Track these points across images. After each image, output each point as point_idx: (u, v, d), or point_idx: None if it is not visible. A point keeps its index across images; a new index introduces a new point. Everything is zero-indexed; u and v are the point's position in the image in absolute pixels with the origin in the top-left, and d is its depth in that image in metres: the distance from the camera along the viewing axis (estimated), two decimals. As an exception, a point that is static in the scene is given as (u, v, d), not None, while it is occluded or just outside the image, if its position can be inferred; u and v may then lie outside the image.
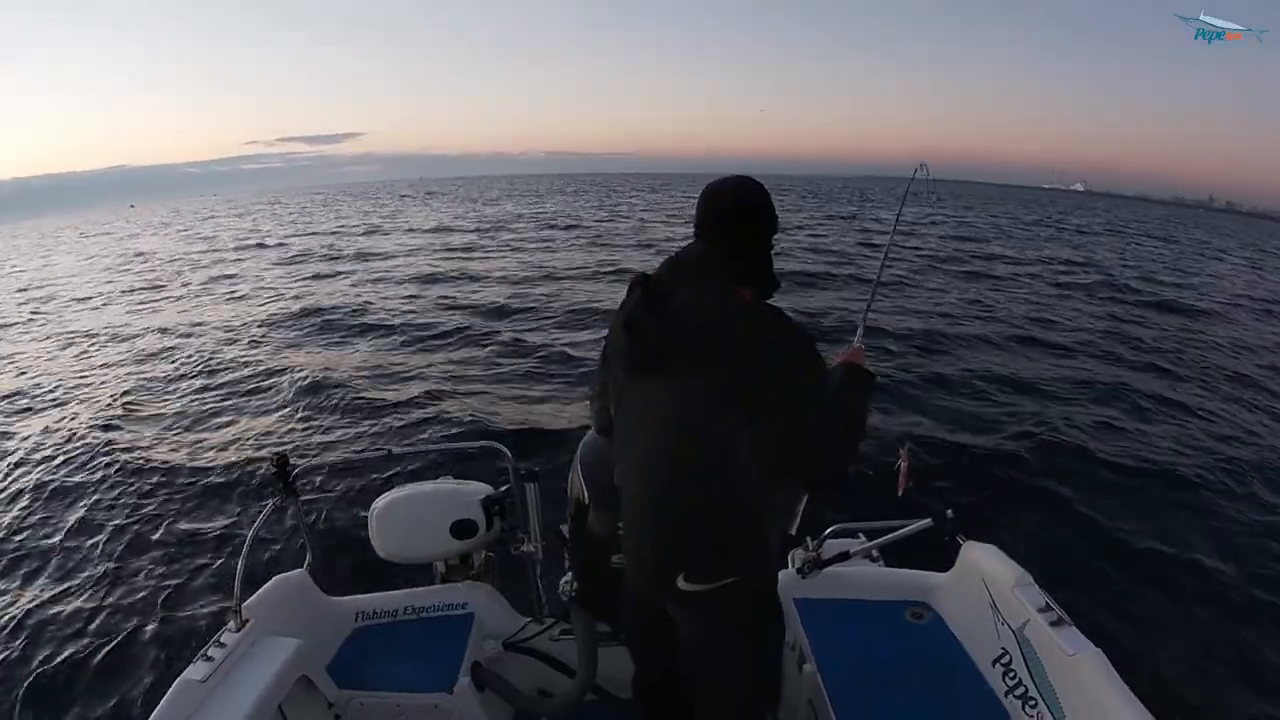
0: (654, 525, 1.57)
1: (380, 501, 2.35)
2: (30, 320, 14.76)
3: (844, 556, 2.31)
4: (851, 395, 1.58)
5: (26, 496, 5.96)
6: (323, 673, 2.09)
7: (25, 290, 20.01)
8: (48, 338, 12.66)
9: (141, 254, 28.40)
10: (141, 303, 15.70)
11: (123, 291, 17.64)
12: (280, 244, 27.22)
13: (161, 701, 1.68)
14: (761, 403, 1.39)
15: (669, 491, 1.51)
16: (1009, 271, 16.95)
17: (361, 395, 7.82)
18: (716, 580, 1.50)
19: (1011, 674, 1.87)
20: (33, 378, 9.80)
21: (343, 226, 34.47)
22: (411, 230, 30.30)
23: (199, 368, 9.54)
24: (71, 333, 12.88)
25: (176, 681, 1.73)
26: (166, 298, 16.11)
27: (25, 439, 7.35)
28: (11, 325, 14.28)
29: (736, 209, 1.54)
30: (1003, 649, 1.93)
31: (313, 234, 30.99)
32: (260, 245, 27.40)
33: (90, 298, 17.13)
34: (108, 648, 3.92)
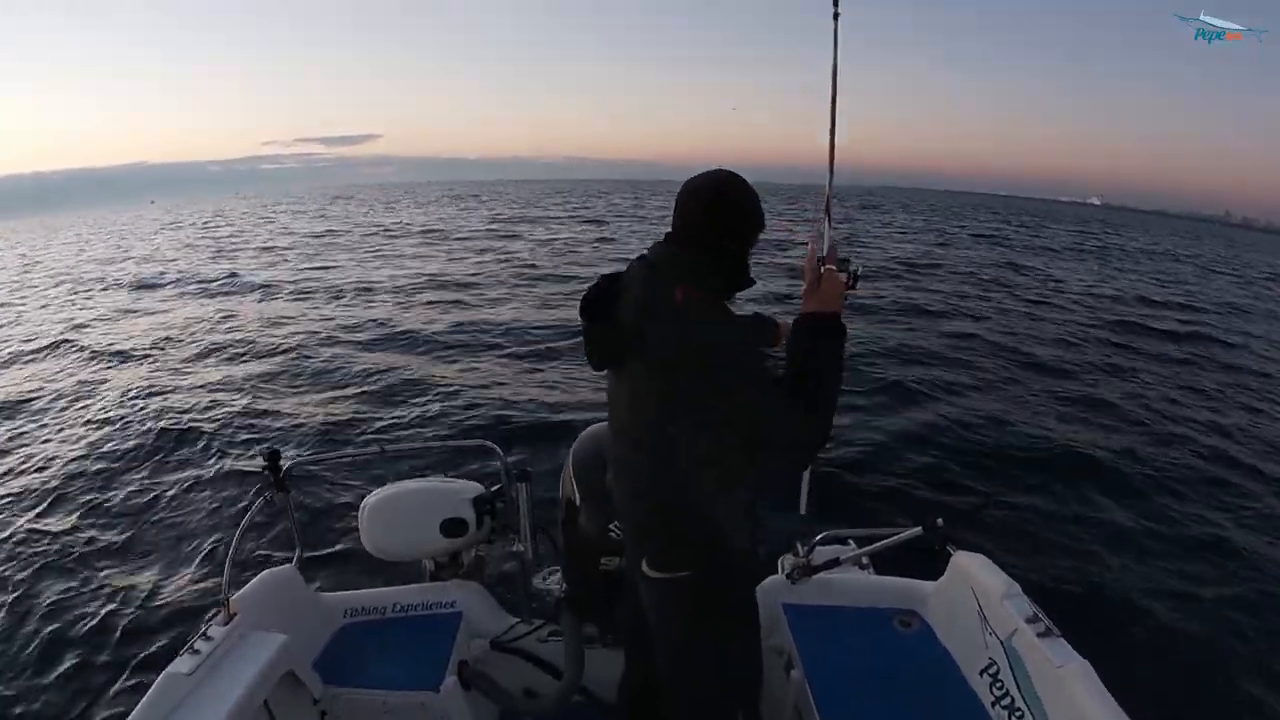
0: (627, 512, 1.66)
1: (371, 498, 2.35)
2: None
3: (834, 563, 2.31)
4: (817, 363, 1.43)
5: (12, 480, 5.94)
6: (309, 669, 2.08)
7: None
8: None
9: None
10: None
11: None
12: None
13: (147, 694, 1.67)
14: (693, 406, 1.38)
15: (631, 484, 1.59)
16: (1021, 284, 16.94)
17: (357, 391, 7.81)
18: (672, 572, 1.56)
19: (999, 684, 1.87)
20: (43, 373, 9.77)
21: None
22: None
23: (199, 360, 9.52)
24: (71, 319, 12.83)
25: (162, 674, 1.72)
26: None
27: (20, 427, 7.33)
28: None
29: (699, 205, 1.47)
30: (990, 659, 1.93)
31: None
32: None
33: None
34: (94, 639, 3.90)
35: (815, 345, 1.43)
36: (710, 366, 1.35)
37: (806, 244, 1.61)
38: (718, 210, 1.46)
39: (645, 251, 1.54)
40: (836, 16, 1.90)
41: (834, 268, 1.53)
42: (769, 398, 1.37)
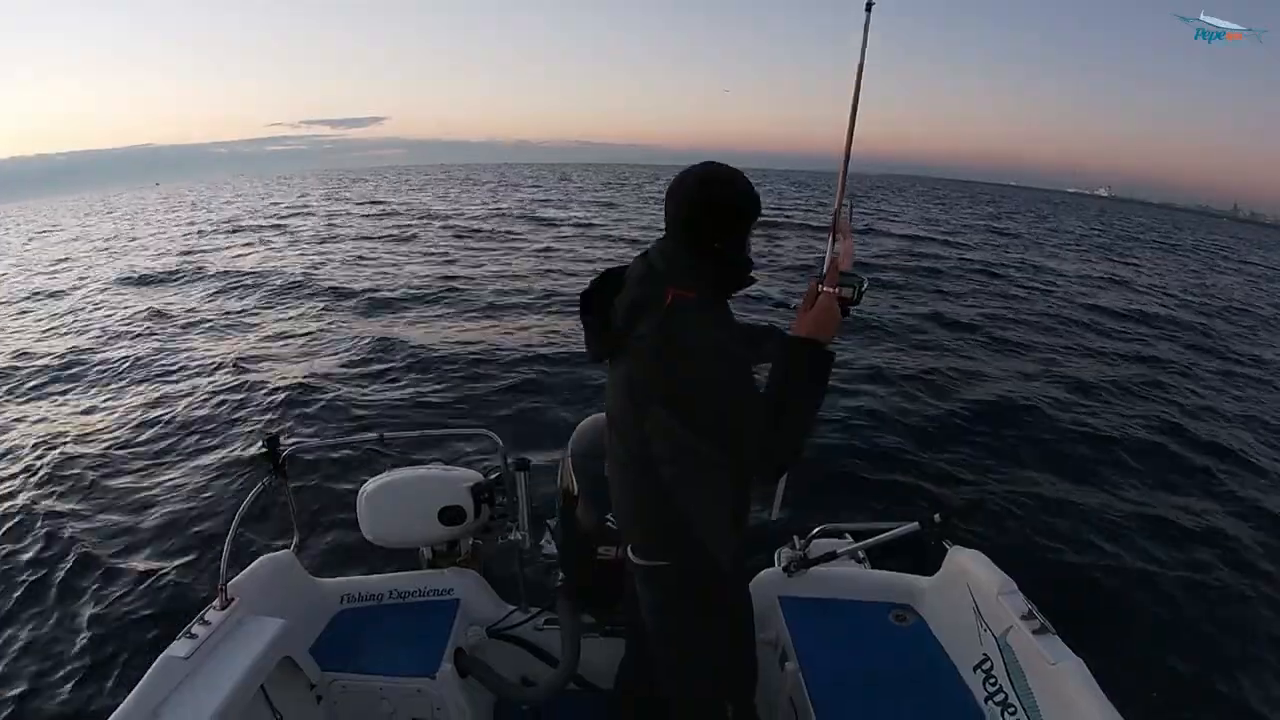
0: (617, 500, 1.70)
1: (369, 485, 2.35)
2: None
3: (831, 556, 2.32)
4: (796, 385, 1.40)
5: (12, 464, 5.95)
6: (306, 654, 2.09)
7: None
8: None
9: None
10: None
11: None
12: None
13: (143, 677, 1.67)
14: (668, 398, 1.39)
15: (618, 473, 1.63)
16: (1023, 280, 16.87)
17: (357, 377, 7.81)
18: (653, 560, 1.60)
19: (992, 680, 1.88)
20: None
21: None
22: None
23: (197, 343, 9.51)
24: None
25: (159, 658, 1.72)
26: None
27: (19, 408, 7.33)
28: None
29: (683, 202, 1.45)
30: (984, 655, 1.94)
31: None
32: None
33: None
34: (91, 622, 3.91)
35: (798, 369, 1.41)
36: (688, 361, 1.36)
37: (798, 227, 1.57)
38: (700, 208, 1.44)
39: (649, 248, 1.54)
40: (870, 7, 1.72)
41: (832, 290, 1.46)
42: (744, 399, 1.36)
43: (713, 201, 1.44)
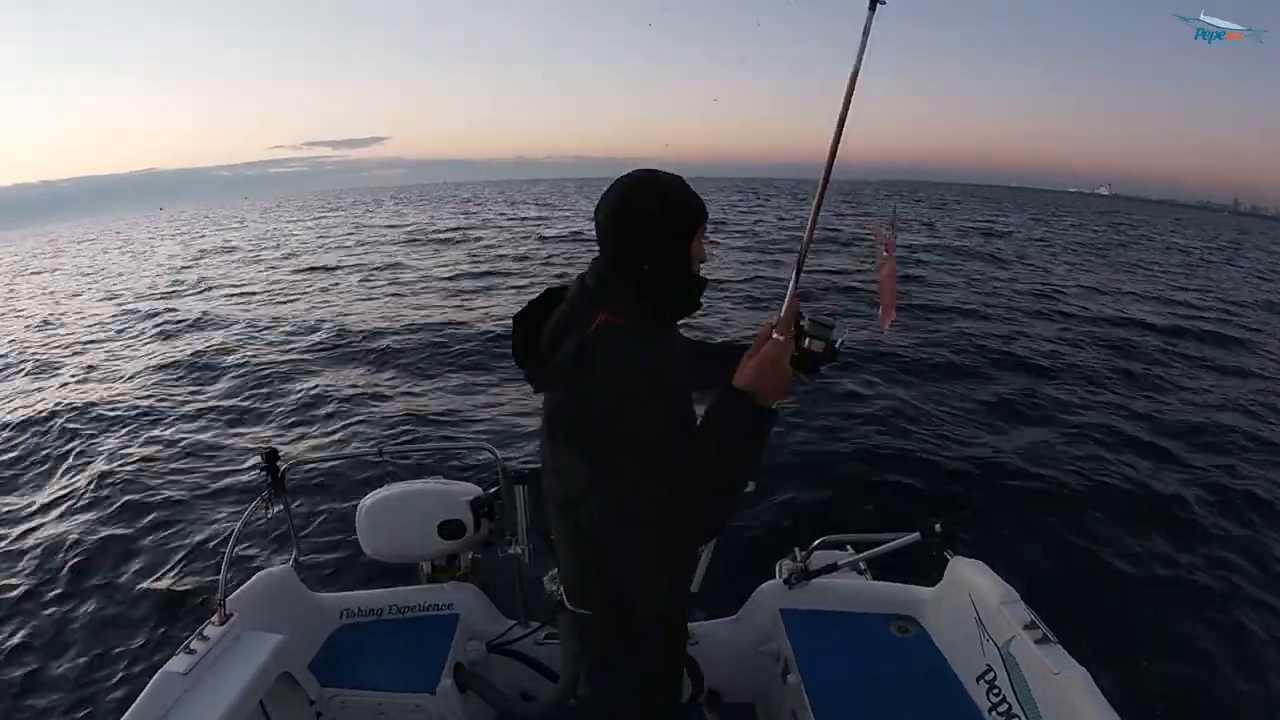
0: (555, 542, 1.54)
1: (368, 499, 2.34)
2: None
3: (832, 568, 2.32)
4: (720, 441, 1.18)
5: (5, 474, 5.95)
6: (305, 670, 2.08)
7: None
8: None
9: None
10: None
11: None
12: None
13: (142, 693, 1.67)
14: (577, 440, 1.26)
15: (551, 512, 1.48)
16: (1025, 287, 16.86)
17: (355, 393, 7.80)
18: (579, 608, 1.50)
19: (995, 691, 1.87)
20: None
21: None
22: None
23: (197, 361, 9.52)
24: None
25: (158, 674, 1.72)
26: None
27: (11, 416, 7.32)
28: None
29: (606, 216, 1.26)
30: (987, 665, 1.93)
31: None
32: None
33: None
34: (90, 638, 3.90)
35: (726, 424, 1.19)
36: (602, 395, 1.20)
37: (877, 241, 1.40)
38: (621, 225, 1.25)
39: (586, 269, 1.35)
40: (874, 5, 1.48)
41: (781, 337, 1.21)
42: (660, 446, 1.19)
43: (635, 217, 1.24)
